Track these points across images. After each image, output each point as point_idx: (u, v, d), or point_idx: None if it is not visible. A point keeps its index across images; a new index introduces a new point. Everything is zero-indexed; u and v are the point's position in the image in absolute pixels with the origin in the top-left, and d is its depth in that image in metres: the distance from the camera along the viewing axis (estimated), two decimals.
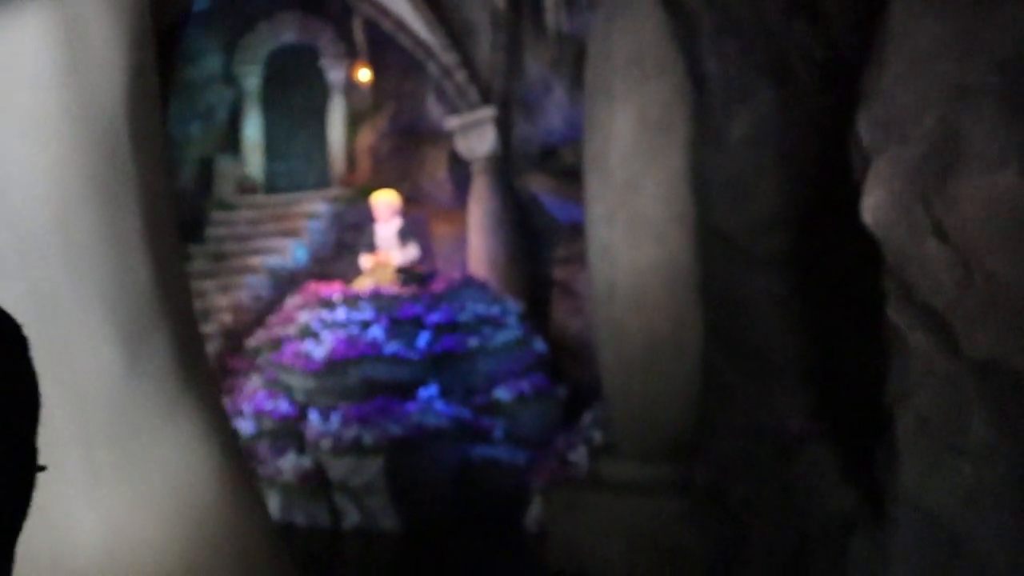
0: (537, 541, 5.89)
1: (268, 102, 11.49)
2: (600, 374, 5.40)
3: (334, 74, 11.36)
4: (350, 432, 6.52)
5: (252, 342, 8.67)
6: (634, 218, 5.10)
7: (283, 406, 7.26)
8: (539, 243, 9.69)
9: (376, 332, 7.33)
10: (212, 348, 8.75)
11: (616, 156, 5.15)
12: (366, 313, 7.53)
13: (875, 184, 2.48)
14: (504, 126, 9.64)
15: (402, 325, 7.45)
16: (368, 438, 6.39)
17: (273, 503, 6.68)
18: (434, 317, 7.50)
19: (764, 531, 3.86)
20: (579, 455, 6.15)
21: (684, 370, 5.10)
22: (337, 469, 6.47)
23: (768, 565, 3.67)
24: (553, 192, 9.53)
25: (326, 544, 6.33)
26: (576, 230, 9.51)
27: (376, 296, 7.68)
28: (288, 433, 7.17)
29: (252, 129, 11.42)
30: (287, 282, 9.88)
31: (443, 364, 7.34)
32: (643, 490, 5.01)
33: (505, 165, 9.67)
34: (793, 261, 4.86)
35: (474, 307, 7.61)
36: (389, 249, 8.52)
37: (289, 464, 6.69)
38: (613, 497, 5.08)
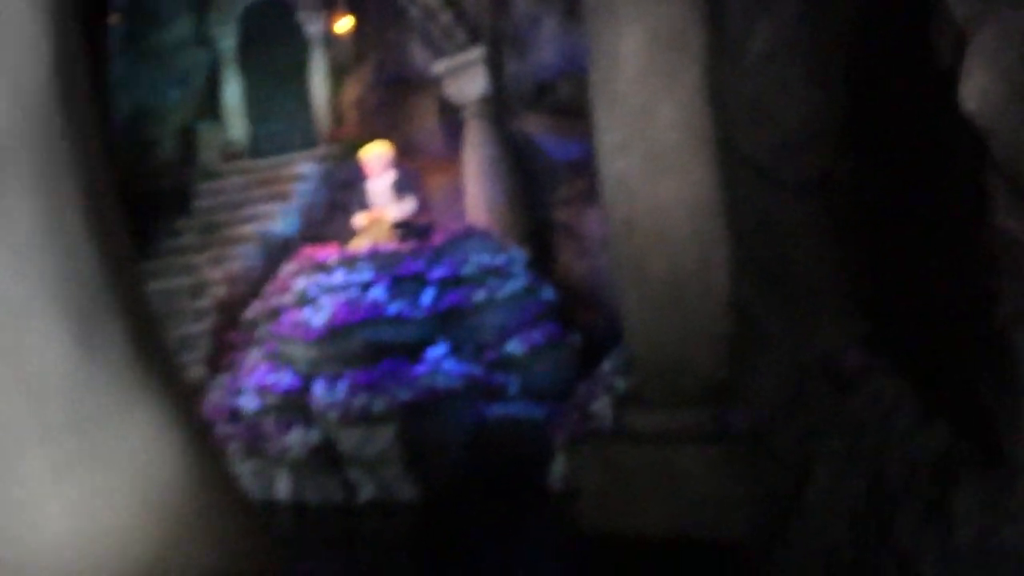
0: (563, 499, 5.45)
1: (246, 63, 10.88)
2: (621, 318, 4.90)
3: (312, 27, 10.73)
4: (358, 401, 6.05)
5: (249, 314, 8.17)
6: (651, 147, 4.57)
7: (286, 378, 6.79)
8: (538, 186, 9.14)
9: (377, 293, 6.83)
10: (208, 323, 8.28)
11: (626, 80, 4.59)
12: (365, 274, 7.02)
13: (977, 63, 1.97)
14: (495, 66, 9.03)
15: (404, 283, 6.95)
16: (378, 405, 5.92)
17: (283, 482, 6.25)
18: (437, 272, 6.99)
19: (825, 478, 3.40)
20: (602, 406, 5.67)
21: (713, 308, 4.60)
22: (347, 441, 6.01)
23: (835, 515, 3.22)
24: (550, 131, 8.96)
25: (342, 521, 5.89)
26: (576, 168, 8.98)
27: (374, 255, 7.16)
28: (293, 406, 6.69)
29: (232, 92, 10.83)
30: (281, 249, 9.37)
31: (450, 321, 6.85)
32: (676, 438, 4.55)
33: (498, 107, 9.09)
34: (829, 184, 4.33)
35: (478, 258, 7.09)
36: (384, 204, 7.99)
37: (297, 439, 6.23)
38: (644, 448, 4.62)
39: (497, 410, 6.26)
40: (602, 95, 4.73)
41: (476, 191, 9.03)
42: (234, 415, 6.90)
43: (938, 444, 2.47)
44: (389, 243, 7.50)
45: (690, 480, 4.39)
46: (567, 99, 8.97)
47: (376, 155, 8.29)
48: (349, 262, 7.18)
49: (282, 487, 6.27)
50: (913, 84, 3.29)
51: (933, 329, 3.05)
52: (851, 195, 4.33)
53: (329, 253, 7.45)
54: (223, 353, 8.04)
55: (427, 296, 6.88)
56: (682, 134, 4.57)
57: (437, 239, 7.37)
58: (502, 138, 9.06)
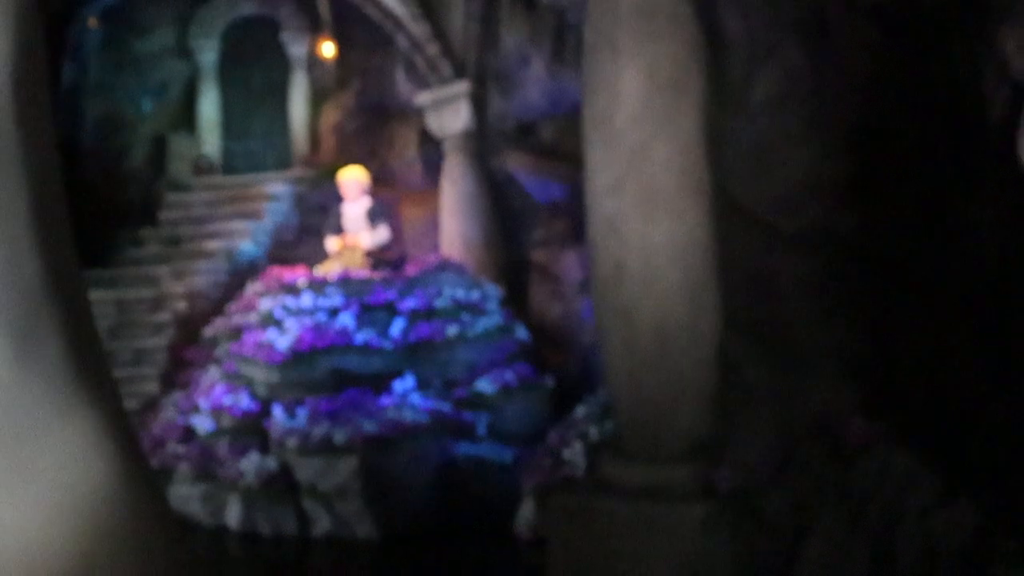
0: (530, 548, 5.21)
1: (225, 78, 10.61)
2: (603, 365, 4.69)
3: (296, 48, 10.51)
4: (319, 429, 5.76)
5: (209, 331, 7.84)
6: (645, 188, 4.40)
7: (244, 401, 6.47)
8: (515, 225, 8.97)
9: (346, 319, 6.57)
10: (166, 338, 7.92)
11: (623, 118, 4.43)
12: (334, 299, 6.75)
13: None
14: (478, 101, 8.88)
15: (374, 312, 6.70)
16: (339, 436, 5.63)
17: (234, 509, 5.91)
18: (408, 303, 6.75)
19: (820, 550, 3.21)
20: (575, 453, 5.46)
21: (701, 360, 4.41)
22: (305, 471, 5.71)
23: None
24: (531, 170, 8.82)
25: (293, 554, 5.58)
26: (555, 210, 8.83)
27: (345, 281, 6.91)
28: (250, 431, 6.38)
29: (208, 106, 10.53)
30: (247, 267, 9.05)
31: (419, 354, 6.60)
32: (658, 495, 4.32)
33: (480, 143, 8.93)
34: (828, 239, 4.22)
35: (452, 292, 6.87)
36: (357, 231, 7.74)
37: (251, 465, 5.91)
38: (622, 503, 4.38)
39: (464, 449, 6.00)
40: (597, 132, 4.56)
41: (452, 225, 8.82)
42: (186, 435, 6.55)
43: (964, 526, 2.29)
44: (361, 270, 7.25)
45: (671, 540, 4.16)
46: (550, 141, 8.85)
47: (353, 179, 8.06)
48: (318, 286, 6.91)
49: (233, 514, 5.93)
50: (928, 137, 3.17)
51: (944, 397, 2.90)
52: (852, 251, 4.21)
53: (298, 275, 7.17)
54: (179, 370, 7.69)
55: (397, 327, 6.63)
56: (677, 177, 4.41)
57: (410, 270, 7.14)
58: (482, 174, 8.90)
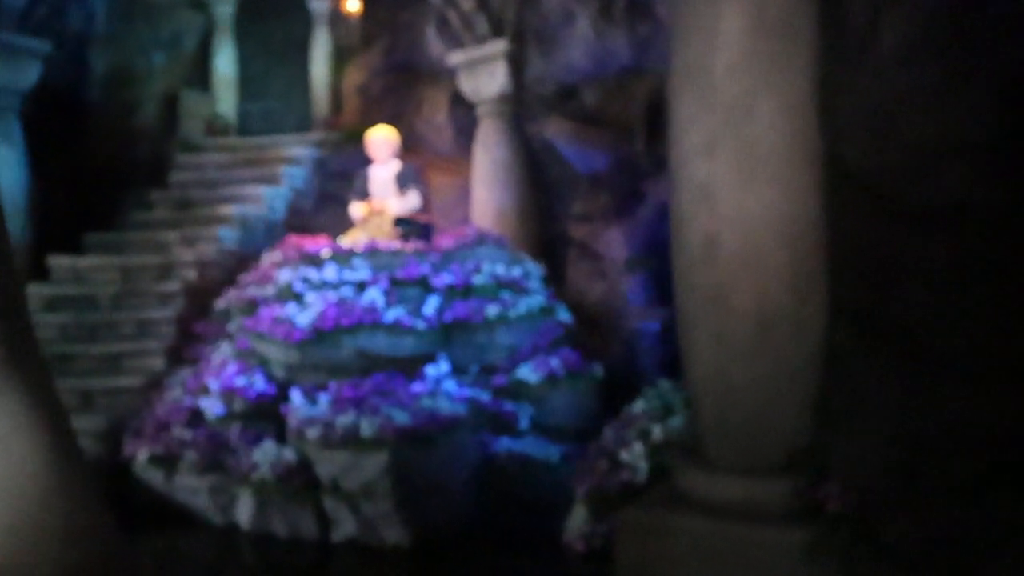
0: (583, 561, 4.51)
1: (243, 33, 9.83)
2: (685, 356, 3.96)
3: (318, 3, 9.72)
4: (344, 419, 5.04)
5: (221, 304, 7.12)
6: (745, 150, 3.65)
7: (259, 383, 5.76)
8: (553, 197, 8.20)
9: (374, 295, 5.84)
10: (174, 309, 7.21)
11: (722, 67, 3.67)
12: (361, 272, 6.02)
13: None
14: (516, 62, 8.08)
15: (405, 287, 5.97)
16: (367, 427, 4.91)
17: (245, 506, 5.22)
18: (444, 279, 6.01)
19: None
20: (635, 455, 4.73)
21: (806, 353, 3.69)
22: (327, 465, 5.00)
23: None
24: (572, 138, 8.04)
25: (312, 560, 4.88)
26: (597, 182, 8.05)
27: (372, 252, 6.17)
28: (264, 416, 5.68)
29: (224, 62, 9.77)
30: (262, 235, 8.32)
31: (455, 335, 5.88)
32: (750, 514, 3.62)
33: (516, 107, 8.14)
34: (964, 215, 3.48)
35: (491, 268, 6.12)
36: (385, 196, 7.00)
37: (266, 456, 5.21)
38: (706, 522, 3.68)
39: (505, 445, 5.29)
40: (688, 83, 3.79)
41: (484, 196, 8.06)
42: (194, 418, 5.85)
43: None
44: (390, 240, 6.52)
45: (767, 568, 3.46)
46: (593, 106, 8.07)
47: (383, 139, 7.31)
48: (343, 257, 6.18)
49: (244, 512, 5.23)
50: None
51: None
52: (994, 230, 3.46)
53: (321, 244, 6.44)
54: (187, 344, 6.97)
55: (430, 305, 5.90)
56: (784, 138, 3.66)
57: (445, 242, 6.39)
58: (518, 141, 8.11)
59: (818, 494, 3.57)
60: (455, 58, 8.31)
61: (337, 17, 9.69)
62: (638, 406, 5.12)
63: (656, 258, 7.23)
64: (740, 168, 3.66)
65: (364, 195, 7.09)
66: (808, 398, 3.69)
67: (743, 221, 3.65)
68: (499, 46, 8.00)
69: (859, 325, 3.78)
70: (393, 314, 5.72)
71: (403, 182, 7.06)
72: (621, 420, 5.13)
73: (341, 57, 9.71)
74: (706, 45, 3.74)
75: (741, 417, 3.73)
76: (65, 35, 8.64)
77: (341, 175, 9.07)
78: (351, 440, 4.93)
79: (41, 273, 7.63)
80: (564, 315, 6.33)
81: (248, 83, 9.86)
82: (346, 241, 6.58)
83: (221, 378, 5.87)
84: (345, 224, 7.60)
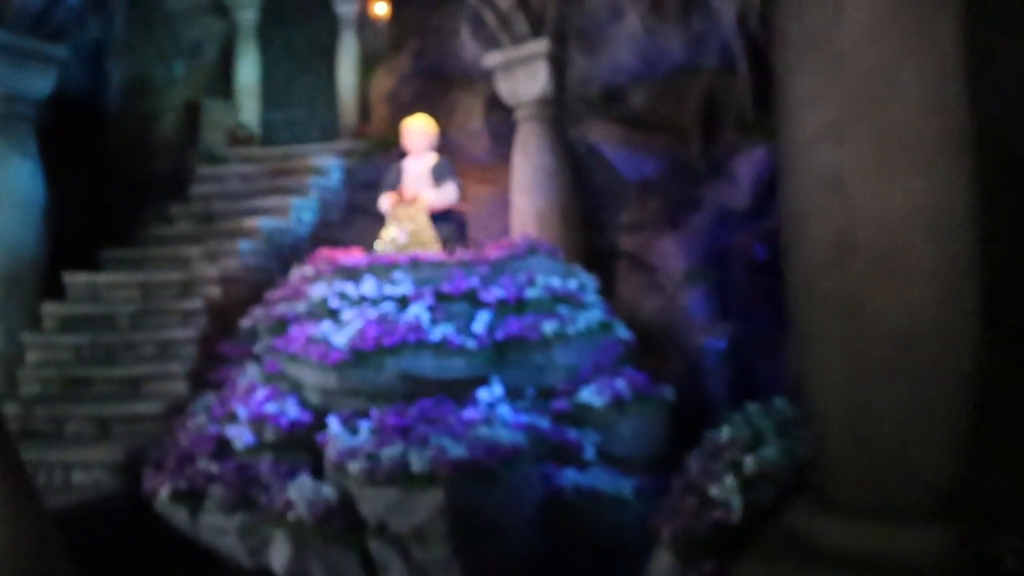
0: None
1: (266, 39, 9.27)
2: (806, 378, 3.29)
3: (344, 6, 9.15)
4: (390, 451, 4.38)
5: (247, 322, 6.49)
6: (884, 132, 2.98)
7: (292, 410, 5.12)
8: (599, 205, 7.56)
9: (418, 311, 5.19)
10: (196, 329, 6.58)
11: (854, 31, 3.02)
12: (403, 286, 5.38)
13: None
14: (558, 63, 7.46)
15: (452, 302, 5.32)
16: (418, 461, 4.25)
17: (280, 549, 4.55)
18: (494, 292, 5.36)
19: None
20: (727, 490, 4.06)
21: (958, 375, 3.00)
22: (373, 504, 4.33)
23: None
24: (620, 142, 7.41)
25: None
26: (648, 189, 7.39)
27: (414, 264, 5.53)
28: (299, 447, 5.03)
29: (247, 70, 9.19)
30: (289, 249, 7.71)
31: (508, 355, 5.23)
32: (896, 569, 2.93)
33: (558, 110, 7.51)
34: None
35: (546, 280, 5.47)
36: (420, 188, 6.40)
37: (302, 493, 4.55)
38: None
39: (571, 478, 4.61)
40: (809, 53, 3.14)
41: (524, 205, 7.41)
42: (220, 449, 5.20)
43: None
44: (427, 239, 5.93)
45: None
46: (642, 108, 7.44)
47: (421, 129, 6.70)
48: (383, 270, 5.54)
49: (278, 556, 4.57)
50: None
51: None
52: None
53: (356, 257, 5.81)
54: (211, 367, 6.34)
55: (480, 321, 5.25)
56: (931, 117, 2.99)
57: (493, 252, 5.75)
58: (560, 146, 7.47)
59: (983, 546, 2.89)
60: (492, 59, 7.68)
61: (364, 21, 9.11)
62: (724, 434, 4.44)
63: (717, 269, 6.59)
64: (877, 153, 2.99)
65: (396, 189, 6.49)
66: (963, 428, 3.01)
67: (882, 216, 2.98)
68: (540, 46, 7.37)
69: (1019, 342, 3.11)
70: (440, 332, 5.07)
71: (439, 175, 6.46)
72: (705, 450, 4.45)
73: (369, 63, 9.12)
74: (832, 7, 3.08)
75: (880, 451, 3.04)
76: (82, 42, 8.10)
77: (370, 186, 8.46)
78: (399, 475, 4.27)
79: (56, 291, 7.03)
80: (623, 331, 5.67)
81: (271, 91, 9.28)
82: (380, 240, 5.98)
83: (250, 404, 5.23)
84: (374, 237, 7.00)
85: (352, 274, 5.56)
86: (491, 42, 7.82)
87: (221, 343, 6.54)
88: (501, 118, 8.06)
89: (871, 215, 2.99)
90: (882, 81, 2.98)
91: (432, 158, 6.61)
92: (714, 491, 4.10)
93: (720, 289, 6.47)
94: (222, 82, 9.16)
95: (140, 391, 6.24)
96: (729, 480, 4.10)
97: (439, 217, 6.34)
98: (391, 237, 6.10)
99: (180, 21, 8.93)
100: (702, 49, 6.90)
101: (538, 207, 7.35)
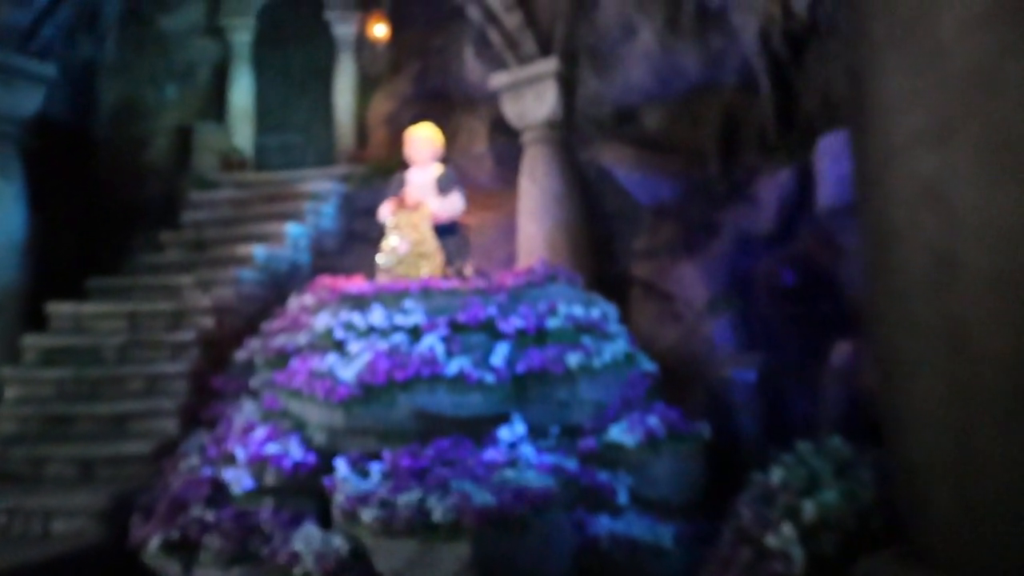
0: None
1: (261, 61, 8.87)
2: (896, 416, 2.84)
3: (342, 28, 8.77)
4: (407, 497, 3.89)
5: (243, 355, 6.01)
6: (991, 134, 2.57)
7: (295, 450, 4.61)
8: (611, 231, 7.15)
9: (432, 343, 4.72)
10: (188, 362, 6.08)
11: (955, 24, 2.62)
12: (414, 316, 4.91)
13: None
14: (568, 83, 7.07)
15: (468, 333, 4.86)
16: (439, 509, 3.76)
17: None
18: (513, 322, 4.90)
19: None
20: (786, 539, 3.59)
21: None
22: (390, 558, 3.83)
23: None
24: (633, 165, 7.01)
25: None
26: (663, 213, 6.98)
27: (426, 292, 5.07)
28: (303, 492, 4.53)
29: (241, 94, 8.77)
30: (286, 278, 7.23)
31: (530, 390, 4.76)
32: None
33: (567, 133, 7.11)
34: None
35: (568, 309, 5.02)
36: (424, 196, 5.96)
37: (309, 544, 4.04)
38: None
39: (605, 525, 4.13)
40: (901, 49, 2.74)
41: (532, 230, 6.99)
42: (216, 494, 4.69)
43: None
44: (429, 250, 5.50)
45: None
46: (656, 129, 7.06)
47: (426, 138, 6.27)
48: (392, 298, 5.07)
49: None
50: None
51: None
52: None
53: (362, 284, 5.34)
54: (204, 403, 5.83)
55: (499, 354, 4.79)
56: None
57: (511, 279, 5.29)
58: (570, 170, 7.07)
59: None
60: (498, 80, 7.29)
61: (362, 43, 8.73)
62: (775, 476, 3.98)
63: (740, 297, 6.16)
64: (983, 159, 2.58)
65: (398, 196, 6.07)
66: None
67: (992, 231, 2.56)
68: (548, 65, 6.99)
69: None
70: (456, 365, 4.60)
71: (444, 187, 6.02)
72: (754, 494, 3.99)
73: (367, 86, 8.74)
74: None
75: (992, 504, 2.60)
76: (72, 62, 7.65)
77: (368, 212, 8.01)
78: (419, 525, 3.78)
79: (38, 322, 6.52)
80: (647, 363, 5.21)
81: (266, 115, 8.86)
82: (382, 256, 5.53)
83: (248, 444, 4.73)
84: (371, 267, 6.57)
85: (359, 303, 5.09)
86: (497, 63, 7.44)
87: (214, 377, 6.04)
88: (506, 141, 7.67)
89: (976, 229, 2.57)
90: (989, 77, 2.58)
91: (437, 169, 6.19)
92: (771, 541, 3.63)
93: (744, 318, 6.04)
94: (215, 105, 8.73)
95: (127, 430, 5.72)
96: (787, 528, 3.64)
97: (443, 231, 5.90)
98: (391, 246, 5.64)
99: (173, 43, 8.51)
100: (720, 67, 6.54)
101: (546, 233, 6.93)
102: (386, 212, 5.91)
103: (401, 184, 6.19)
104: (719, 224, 6.52)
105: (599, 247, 7.06)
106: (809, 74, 6.25)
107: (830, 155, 5.61)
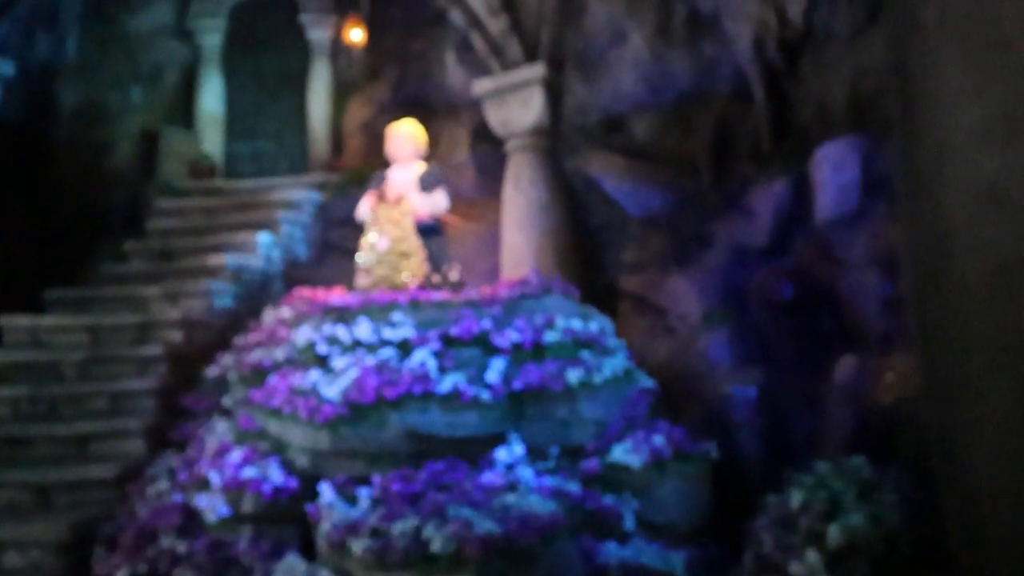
0: None
1: (232, 65, 8.52)
2: (954, 440, 2.61)
3: (317, 32, 8.46)
4: (402, 525, 3.58)
5: (214, 371, 5.66)
6: None
7: (274, 475, 4.27)
8: (597, 242, 6.91)
9: (423, 358, 4.42)
10: (155, 379, 5.71)
11: (1017, 11, 2.43)
12: (403, 329, 4.61)
13: None
14: (554, 90, 6.82)
15: (461, 348, 4.57)
16: (438, 538, 3.46)
17: None
18: (509, 336, 4.62)
19: None
20: (809, 567, 3.36)
21: None
22: None
23: None
24: (621, 175, 6.78)
25: None
26: (652, 225, 6.74)
27: (414, 304, 4.77)
28: (284, 519, 4.19)
29: (210, 98, 8.41)
30: (259, 289, 6.88)
31: (528, 408, 4.47)
32: None
33: (553, 141, 6.86)
34: None
35: (566, 322, 4.75)
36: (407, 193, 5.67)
37: None
38: None
39: (613, 553, 3.85)
40: (959, 39, 2.53)
41: (518, 241, 6.71)
42: (188, 523, 4.34)
43: None
44: (410, 248, 5.22)
45: None
46: (644, 138, 6.85)
47: (408, 134, 6.00)
48: (379, 310, 4.76)
49: None
50: None
51: None
52: None
53: (346, 297, 5.02)
54: (173, 422, 5.47)
55: (495, 369, 4.50)
56: None
57: (505, 290, 5.02)
58: (555, 179, 6.81)
59: None
60: (481, 87, 7.01)
61: (338, 48, 8.42)
62: (795, 498, 3.74)
63: (735, 311, 5.94)
64: None
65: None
66: None
67: None
68: (534, 71, 6.73)
69: None
70: (450, 382, 4.31)
71: (427, 186, 5.75)
72: (772, 517, 3.75)
73: (343, 92, 8.42)
74: None
75: None
76: (30, 62, 7.25)
77: (344, 222, 7.70)
78: (417, 556, 3.47)
79: None
80: (646, 380, 4.96)
81: (237, 121, 8.50)
82: (360, 252, 5.24)
83: (223, 468, 4.37)
84: (350, 278, 6.26)
85: (343, 315, 4.78)
86: (480, 69, 7.17)
87: (183, 395, 5.68)
88: (489, 149, 7.40)
89: None
90: None
91: (419, 167, 5.91)
92: (795, 568, 3.40)
93: (740, 332, 5.82)
94: (183, 110, 8.35)
95: (88, 452, 5.32)
96: (812, 555, 3.41)
97: (425, 231, 5.62)
98: (370, 243, 5.34)
99: (139, 44, 8.13)
100: (712, 75, 6.35)
101: (532, 244, 6.66)
102: (365, 207, 5.60)
103: (381, 182, 5.90)
104: (711, 236, 6.31)
105: (586, 259, 6.81)
106: (804, 83, 6.09)
107: (831, 164, 5.44)
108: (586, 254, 6.83)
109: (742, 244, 6.15)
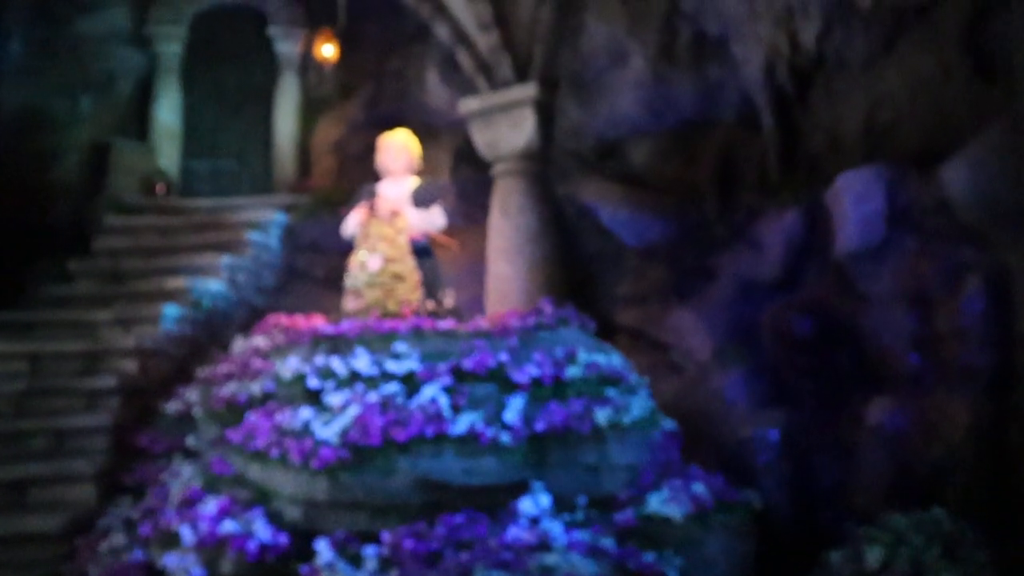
0: None
1: (191, 77, 7.88)
2: None
3: (286, 46, 7.89)
4: None
5: (174, 406, 4.97)
6: None
7: (261, 530, 3.61)
8: (591, 273, 6.44)
9: (433, 394, 3.84)
10: (107, 414, 4.98)
11: None
12: (408, 361, 4.02)
13: None
14: (547, 112, 6.37)
15: (474, 383, 4.00)
16: None
17: None
18: (528, 371, 4.07)
19: None
20: None
21: None
22: None
23: None
24: (617, 203, 6.34)
25: None
26: (651, 256, 6.29)
27: (417, 333, 4.19)
28: None
29: (167, 111, 7.73)
30: (221, 316, 6.19)
31: (551, 452, 3.91)
32: None
33: (544, 166, 6.40)
34: None
35: (589, 356, 4.22)
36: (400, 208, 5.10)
37: None
38: None
39: None
40: None
41: (506, 272, 6.19)
42: None
43: None
44: (405, 270, 4.66)
45: None
46: (642, 165, 6.44)
47: (402, 146, 5.48)
48: (379, 339, 4.17)
49: None
50: None
51: None
52: None
53: (339, 325, 4.41)
54: (128, 464, 4.74)
55: (513, 408, 3.94)
56: None
57: (518, 320, 4.47)
58: (546, 206, 6.32)
59: None
60: (467, 106, 6.51)
61: (308, 63, 7.86)
62: (872, 557, 3.27)
63: (747, 347, 5.52)
64: None
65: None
66: None
67: None
68: (526, 91, 6.27)
69: None
70: (465, 422, 3.74)
71: (423, 201, 5.25)
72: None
73: (312, 110, 7.84)
74: None
75: None
76: None
77: (313, 247, 7.11)
78: None
79: None
80: (668, 422, 4.47)
81: (195, 136, 7.83)
82: (349, 273, 4.66)
83: (197, 521, 3.69)
84: (316, 306, 5.65)
85: (336, 345, 4.17)
86: (465, 87, 6.68)
87: (139, 433, 4.95)
88: (472, 174, 6.91)
89: None
90: None
91: (413, 182, 5.38)
92: None
93: (755, 370, 5.39)
94: (137, 122, 7.65)
95: (28, 500, 4.57)
96: None
97: (417, 252, 5.07)
98: (360, 262, 4.74)
99: (91, 49, 7.41)
100: (718, 100, 5.99)
101: (521, 274, 6.15)
102: (354, 222, 5.01)
103: (372, 195, 5.33)
104: (715, 268, 5.89)
105: (577, 291, 6.32)
106: (814, 111, 5.77)
107: (852, 194, 5.08)
108: (578, 286, 6.34)
109: (750, 277, 5.75)
